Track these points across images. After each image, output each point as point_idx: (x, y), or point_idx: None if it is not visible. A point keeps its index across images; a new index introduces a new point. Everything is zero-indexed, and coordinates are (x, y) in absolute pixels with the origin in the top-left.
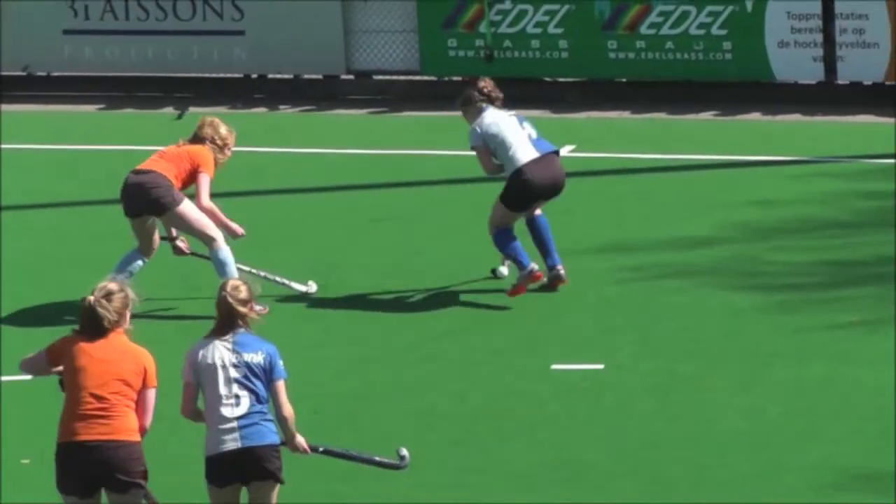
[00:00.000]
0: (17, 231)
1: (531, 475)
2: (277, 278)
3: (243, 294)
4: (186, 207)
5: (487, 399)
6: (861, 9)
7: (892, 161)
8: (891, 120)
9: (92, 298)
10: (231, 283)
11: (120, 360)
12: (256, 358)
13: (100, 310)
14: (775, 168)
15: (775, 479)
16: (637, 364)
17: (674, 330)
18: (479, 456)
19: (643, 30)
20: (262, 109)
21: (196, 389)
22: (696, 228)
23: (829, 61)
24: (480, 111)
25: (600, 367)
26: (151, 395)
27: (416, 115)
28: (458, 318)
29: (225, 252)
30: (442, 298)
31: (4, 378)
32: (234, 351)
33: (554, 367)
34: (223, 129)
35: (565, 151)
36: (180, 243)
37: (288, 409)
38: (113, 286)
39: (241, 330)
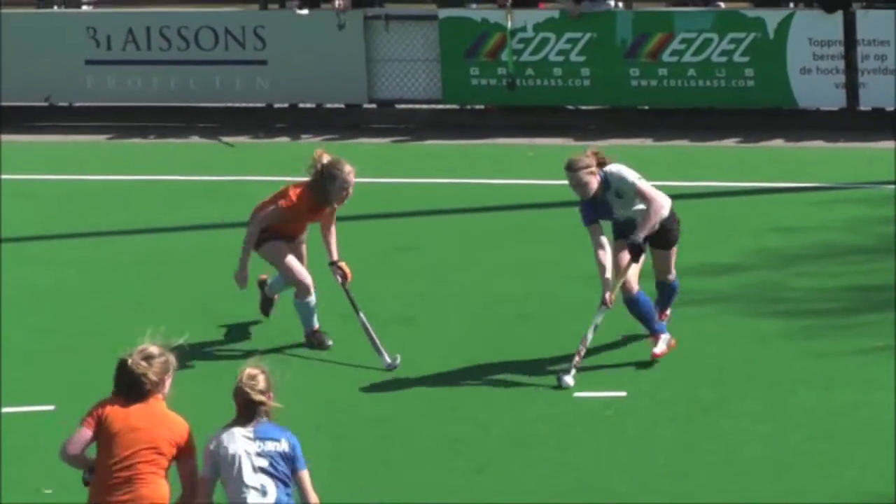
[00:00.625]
0: (41, 260)
1: (555, 503)
2: (375, 339)
3: (261, 384)
4: (267, 248)
5: (511, 427)
6: (883, 35)
7: None
8: None
9: (130, 360)
10: (248, 371)
11: (154, 427)
12: (280, 446)
13: (138, 371)
14: (798, 194)
15: None
16: (660, 391)
17: (697, 356)
18: (504, 483)
19: (665, 57)
20: (285, 139)
21: (212, 484)
22: (720, 255)
23: (852, 88)
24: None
25: (623, 394)
26: (192, 464)
27: (438, 144)
28: (482, 345)
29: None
30: (466, 326)
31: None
32: (255, 440)
33: (577, 394)
34: (334, 168)
35: None
36: (339, 272)
37: (314, 498)
38: (154, 349)
39: (263, 419)
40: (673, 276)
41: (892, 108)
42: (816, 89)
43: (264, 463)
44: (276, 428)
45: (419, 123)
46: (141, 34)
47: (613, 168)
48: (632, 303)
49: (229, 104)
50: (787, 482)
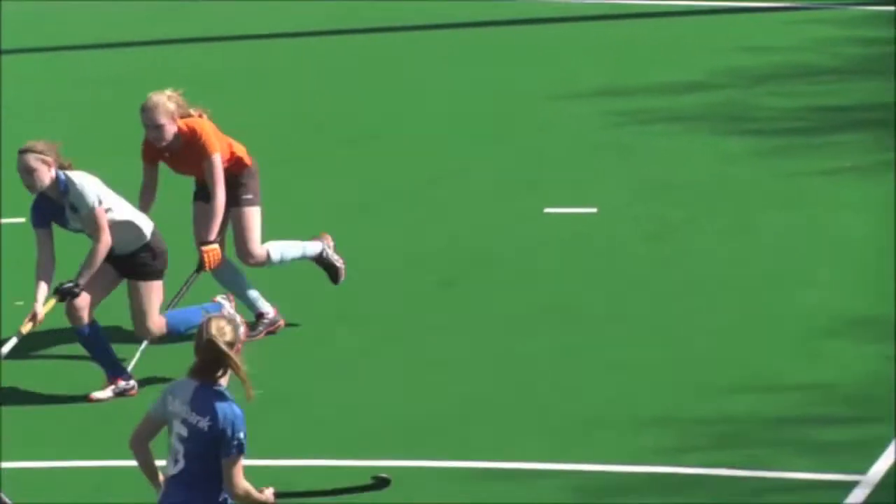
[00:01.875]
0: None
1: (524, 319)
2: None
3: (228, 336)
4: None
5: (480, 241)
6: None
7: (885, 8)
8: None
9: None
10: (216, 322)
11: None
12: (202, 423)
13: None
14: (767, 14)
15: (767, 325)
16: (629, 209)
17: (666, 174)
18: (472, 299)
19: None
20: None
21: (153, 424)
22: (687, 74)
23: None
24: None
25: (594, 210)
26: None
27: None
28: (442, 163)
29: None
30: (434, 139)
31: None
32: (189, 402)
33: (547, 210)
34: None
35: None
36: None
37: (240, 487)
38: None
39: (214, 384)
40: (157, 326)
41: None
42: None
43: (184, 432)
44: (216, 399)
45: None
46: None
47: (76, 176)
48: (80, 336)
49: None
50: (756, 300)
